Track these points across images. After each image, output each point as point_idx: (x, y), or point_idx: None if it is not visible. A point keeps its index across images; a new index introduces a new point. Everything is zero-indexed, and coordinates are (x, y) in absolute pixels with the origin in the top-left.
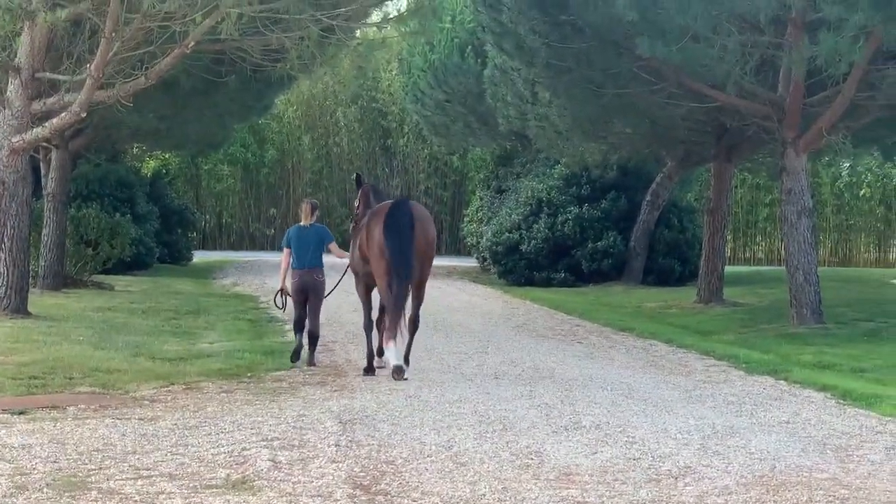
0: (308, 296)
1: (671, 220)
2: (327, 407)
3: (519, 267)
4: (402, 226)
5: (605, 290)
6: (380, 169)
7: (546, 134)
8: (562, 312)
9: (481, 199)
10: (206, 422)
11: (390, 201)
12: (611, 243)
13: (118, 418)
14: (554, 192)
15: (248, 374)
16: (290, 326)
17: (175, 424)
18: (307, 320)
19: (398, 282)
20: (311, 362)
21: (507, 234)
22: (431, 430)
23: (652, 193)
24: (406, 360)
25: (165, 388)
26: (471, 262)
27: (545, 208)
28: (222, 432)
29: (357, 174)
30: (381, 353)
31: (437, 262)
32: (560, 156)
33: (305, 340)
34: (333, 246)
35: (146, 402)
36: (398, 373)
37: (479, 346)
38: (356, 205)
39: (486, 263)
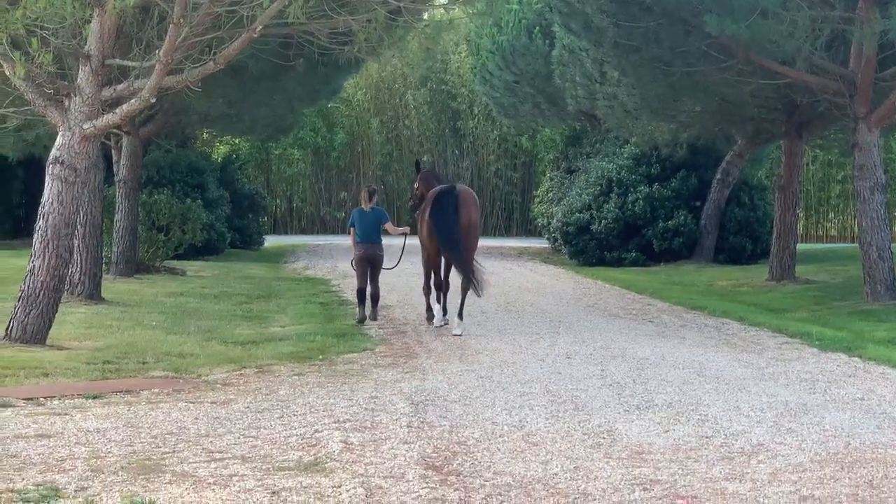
0: (371, 266)
1: (742, 198)
2: (399, 388)
3: (590, 247)
4: (445, 210)
5: (676, 269)
6: (449, 151)
7: (615, 113)
8: (633, 292)
9: (551, 179)
10: (277, 405)
11: (441, 186)
12: (681, 222)
13: (191, 402)
14: (624, 171)
15: (320, 357)
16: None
17: (247, 407)
18: (369, 286)
19: (445, 252)
20: (373, 317)
21: (577, 214)
22: (503, 411)
23: (722, 171)
24: (460, 315)
25: (237, 372)
26: (542, 243)
27: (615, 188)
28: (294, 415)
29: (417, 161)
30: (444, 310)
31: (509, 243)
32: (629, 135)
33: (368, 305)
34: (389, 225)
35: (218, 386)
36: (445, 324)
37: (550, 326)
38: (415, 187)
39: (557, 244)
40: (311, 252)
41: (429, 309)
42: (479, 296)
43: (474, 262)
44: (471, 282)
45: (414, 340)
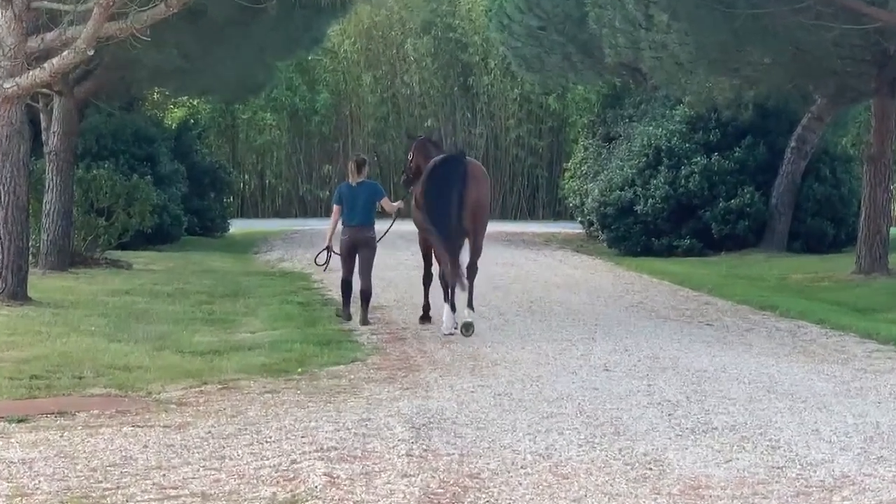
0: (359, 253)
1: (822, 172)
2: (397, 409)
3: (633, 232)
4: (449, 182)
5: (740, 260)
6: (459, 115)
7: (664, 66)
8: (687, 288)
9: (585, 149)
10: (246, 429)
11: (444, 155)
12: (747, 201)
13: (139, 426)
14: (675, 138)
15: (299, 370)
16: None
17: (209, 433)
18: (360, 279)
19: (438, 235)
20: (363, 320)
21: (618, 191)
22: (526, 436)
23: (797, 139)
24: (470, 305)
25: (197, 389)
26: (573, 228)
27: (665, 159)
28: (267, 441)
29: (406, 129)
30: (453, 307)
31: (532, 227)
32: (682, 94)
33: (355, 308)
34: (385, 201)
35: (173, 406)
36: (466, 329)
37: (584, 331)
38: (409, 159)
39: (592, 229)
40: (287, 240)
41: (426, 306)
42: (462, 289)
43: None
44: (475, 265)
45: (415, 349)
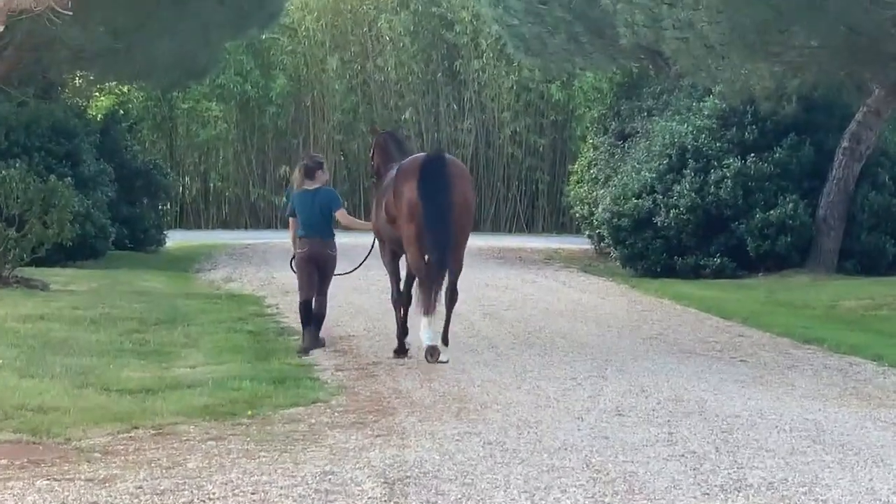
0: (318, 270)
1: (880, 177)
2: (366, 460)
3: (652, 249)
4: (438, 185)
5: (781, 283)
6: (443, 105)
7: (691, 50)
8: (717, 316)
9: (595, 148)
10: (185, 484)
11: (421, 154)
12: (789, 212)
13: (56, 479)
14: (704, 136)
15: (249, 413)
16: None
17: (139, 488)
18: (313, 300)
19: (434, 250)
20: (313, 343)
21: (634, 200)
22: (522, 493)
23: (851, 138)
24: (444, 340)
25: (126, 434)
26: (580, 243)
27: (691, 161)
28: (210, 499)
29: (372, 124)
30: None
31: (532, 242)
32: (712, 83)
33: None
34: (341, 213)
35: (97, 455)
36: (432, 354)
37: (592, 367)
38: (370, 156)
39: (602, 245)
40: (235, 256)
41: (400, 334)
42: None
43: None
44: (456, 288)
45: (388, 387)
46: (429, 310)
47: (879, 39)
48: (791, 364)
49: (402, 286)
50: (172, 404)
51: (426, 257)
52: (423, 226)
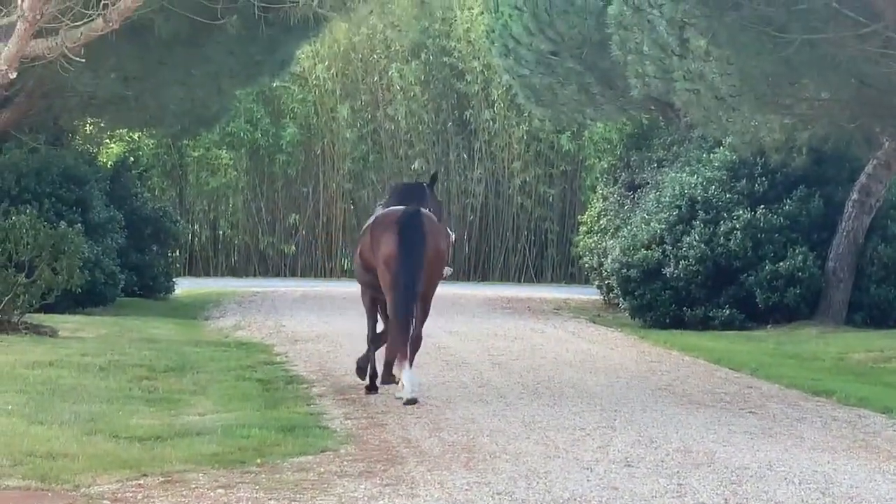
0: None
1: (890, 230)
2: None
3: (662, 300)
4: (414, 239)
5: (790, 335)
6: (453, 155)
7: (701, 101)
8: (726, 368)
9: (605, 198)
10: None
11: (399, 209)
12: (799, 264)
13: None
14: (714, 187)
15: (258, 461)
16: (317, 390)
17: None
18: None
19: (405, 297)
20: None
21: (643, 251)
22: None
23: (861, 190)
24: (385, 378)
25: (134, 482)
26: (589, 293)
27: (701, 213)
28: None
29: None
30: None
31: (541, 292)
32: (723, 134)
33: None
34: None
35: (106, 503)
36: (413, 404)
37: (602, 418)
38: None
39: (612, 295)
40: (244, 303)
41: (373, 374)
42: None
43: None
44: (420, 336)
45: (398, 437)
46: (405, 356)
47: (890, 92)
48: (800, 416)
49: (377, 329)
50: (181, 452)
51: (399, 302)
52: (396, 274)
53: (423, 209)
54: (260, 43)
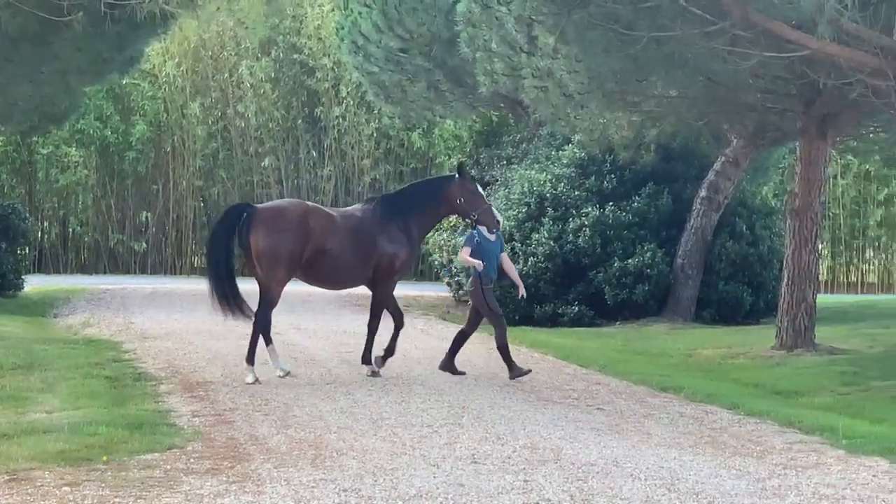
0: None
1: (737, 227)
2: None
3: (510, 297)
4: (218, 234)
5: (639, 331)
6: (303, 152)
7: (550, 99)
8: (574, 364)
9: None
10: None
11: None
12: (647, 261)
13: None
14: (563, 185)
15: (104, 459)
16: (165, 387)
17: None
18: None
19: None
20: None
21: None
22: None
23: (709, 187)
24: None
25: None
26: (440, 291)
27: (550, 209)
28: None
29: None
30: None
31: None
32: (571, 131)
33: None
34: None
35: None
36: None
37: (449, 414)
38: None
39: (461, 292)
40: (94, 301)
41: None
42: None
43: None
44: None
45: (245, 434)
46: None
47: (737, 90)
48: (647, 412)
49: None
50: (27, 450)
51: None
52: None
53: (256, 205)
54: (108, 40)
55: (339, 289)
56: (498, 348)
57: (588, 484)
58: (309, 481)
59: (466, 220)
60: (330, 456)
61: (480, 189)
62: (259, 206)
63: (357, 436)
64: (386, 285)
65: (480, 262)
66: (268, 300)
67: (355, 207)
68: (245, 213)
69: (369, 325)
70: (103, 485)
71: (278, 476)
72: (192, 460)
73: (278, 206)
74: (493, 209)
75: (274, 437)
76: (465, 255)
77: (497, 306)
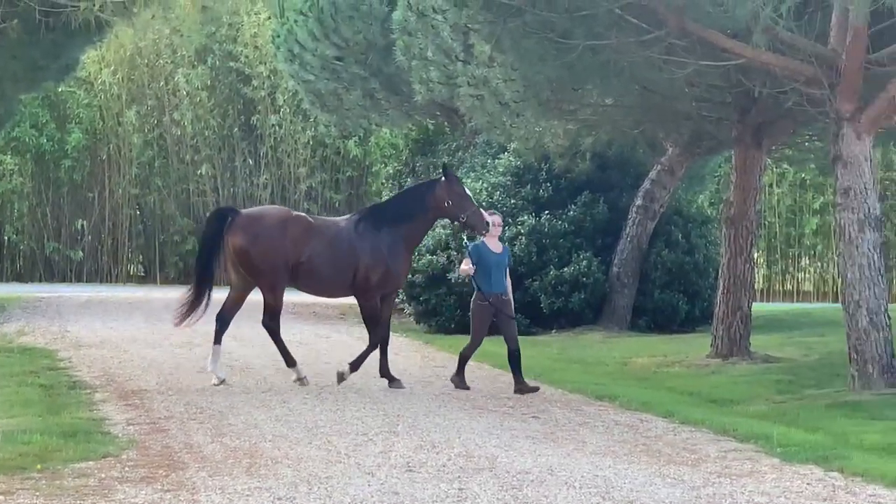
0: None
1: (673, 235)
2: None
3: (446, 306)
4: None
5: (574, 340)
6: (239, 160)
7: (485, 107)
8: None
9: None
10: None
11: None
12: (583, 269)
13: None
14: (498, 193)
15: (38, 467)
16: (100, 396)
17: None
18: (507, 341)
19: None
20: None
21: (428, 256)
22: None
23: (645, 195)
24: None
25: None
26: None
27: None
28: None
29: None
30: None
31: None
32: (507, 139)
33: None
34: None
35: None
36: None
37: (384, 423)
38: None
39: (397, 301)
40: (29, 309)
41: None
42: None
43: None
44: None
45: (180, 442)
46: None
47: (673, 98)
48: (583, 421)
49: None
50: None
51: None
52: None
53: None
54: (43, 47)
55: (324, 297)
56: (461, 355)
57: (523, 492)
58: (244, 490)
59: (455, 222)
60: (265, 464)
61: (468, 191)
62: (242, 211)
63: (292, 444)
64: (366, 299)
65: (472, 266)
66: (267, 304)
67: (342, 218)
68: (229, 218)
69: (370, 339)
70: (37, 493)
71: (213, 484)
72: (126, 469)
73: (259, 211)
74: (483, 211)
75: (209, 445)
76: (463, 267)
77: (483, 329)
